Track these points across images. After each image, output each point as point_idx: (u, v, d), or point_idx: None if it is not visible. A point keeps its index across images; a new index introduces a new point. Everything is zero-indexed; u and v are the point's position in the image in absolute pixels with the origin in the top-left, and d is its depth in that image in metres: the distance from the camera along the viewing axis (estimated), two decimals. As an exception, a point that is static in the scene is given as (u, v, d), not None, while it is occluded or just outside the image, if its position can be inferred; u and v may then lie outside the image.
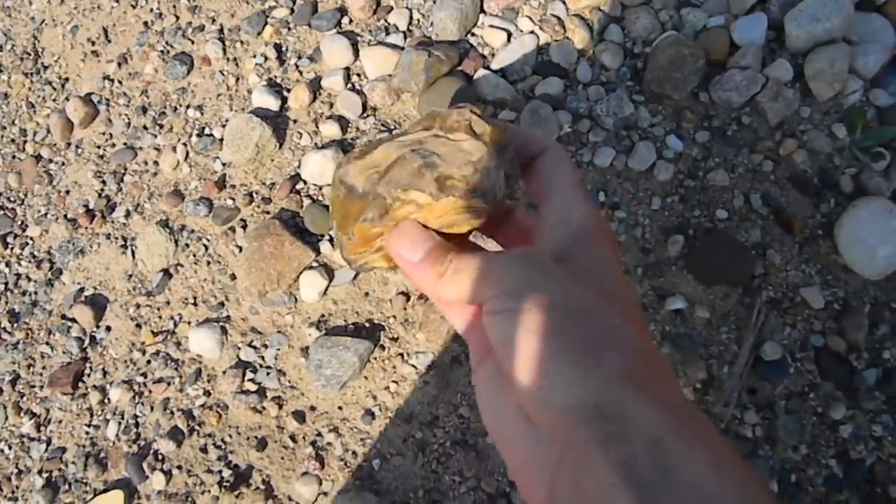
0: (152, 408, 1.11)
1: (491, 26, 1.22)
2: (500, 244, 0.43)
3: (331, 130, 1.21)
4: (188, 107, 1.32)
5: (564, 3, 1.22)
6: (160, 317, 1.17)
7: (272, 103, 1.25)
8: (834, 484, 0.95)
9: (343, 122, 1.22)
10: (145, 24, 1.42)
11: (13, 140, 1.43)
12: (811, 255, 1.04)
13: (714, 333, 1.02)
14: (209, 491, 1.03)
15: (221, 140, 1.25)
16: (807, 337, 1.01)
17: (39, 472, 1.11)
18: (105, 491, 1.06)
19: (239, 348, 1.11)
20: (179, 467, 1.05)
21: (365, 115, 1.22)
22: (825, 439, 0.97)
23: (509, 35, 1.22)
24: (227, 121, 1.26)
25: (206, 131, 1.28)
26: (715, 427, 0.29)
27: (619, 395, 0.29)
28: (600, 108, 1.14)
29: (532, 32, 1.21)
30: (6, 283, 1.29)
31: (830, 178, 1.08)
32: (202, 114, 1.31)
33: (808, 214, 1.06)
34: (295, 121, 1.25)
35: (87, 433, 1.12)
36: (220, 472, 1.04)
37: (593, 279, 0.34)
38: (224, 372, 1.10)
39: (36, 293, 1.27)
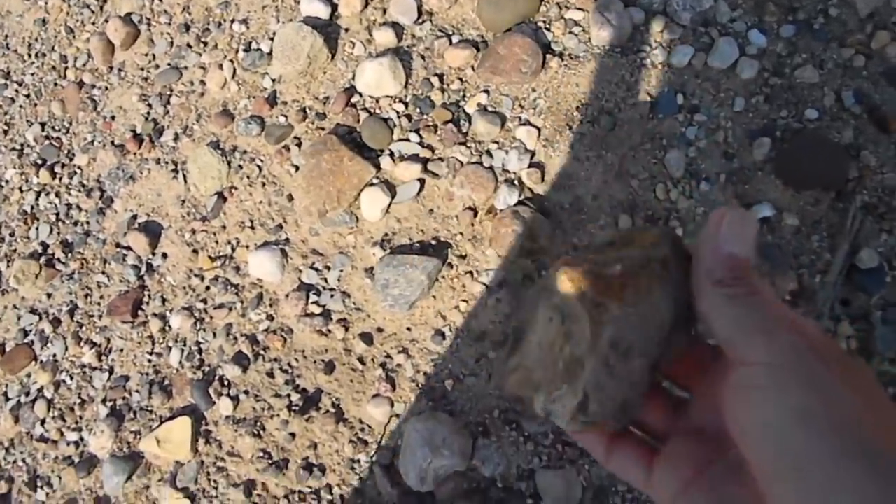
0: (215, 334, 1.09)
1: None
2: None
3: (385, 38, 1.16)
4: (233, 21, 1.28)
5: None
6: (217, 241, 1.15)
7: (322, 11, 1.20)
8: (936, 397, 0.91)
9: (398, 29, 1.17)
10: (181, -64, 1.36)
11: (54, 67, 1.40)
12: (911, 156, 0.98)
13: (805, 242, 0.97)
14: (278, 415, 1.01)
15: (270, 54, 1.21)
16: (906, 244, 0.95)
17: (103, 402, 1.11)
18: (171, 418, 1.05)
19: (300, 271, 1.08)
20: (246, 392, 1.04)
21: (420, 20, 1.18)
22: (926, 352, 0.92)
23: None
24: (274, 33, 1.21)
25: (254, 46, 1.24)
26: None
27: None
28: (676, 3, 1.09)
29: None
30: (57, 214, 1.27)
31: (932, 70, 1.01)
32: (248, 27, 1.26)
33: (907, 111, 0.99)
34: (347, 29, 1.20)
35: (150, 361, 1.11)
36: (289, 396, 1.02)
37: (856, 387, 0.28)
38: (286, 295, 1.07)
39: (88, 222, 1.25)
